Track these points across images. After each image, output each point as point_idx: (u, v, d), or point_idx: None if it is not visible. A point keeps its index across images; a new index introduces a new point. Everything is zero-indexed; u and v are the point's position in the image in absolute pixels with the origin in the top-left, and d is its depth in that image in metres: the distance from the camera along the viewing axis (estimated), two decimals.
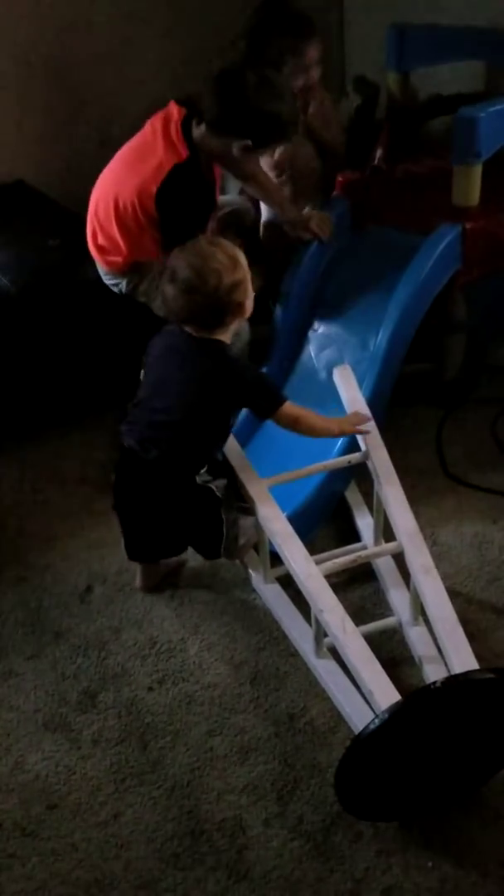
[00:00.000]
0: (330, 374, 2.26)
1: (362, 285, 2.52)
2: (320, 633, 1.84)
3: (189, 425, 1.89)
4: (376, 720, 1.48)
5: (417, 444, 2.54)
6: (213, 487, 1.93)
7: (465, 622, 1.71)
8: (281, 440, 2.35)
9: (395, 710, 1.47)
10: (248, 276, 1.87)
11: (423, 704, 1.50)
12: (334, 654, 1.83)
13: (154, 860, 1.62)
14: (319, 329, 2.54)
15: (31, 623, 2.11)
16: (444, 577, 1.81)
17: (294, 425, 1.95)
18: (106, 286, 2.52)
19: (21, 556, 2.30)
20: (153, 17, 3.15)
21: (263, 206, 2.75)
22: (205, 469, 1.94)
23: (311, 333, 2.54)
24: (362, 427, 2.03)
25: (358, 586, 2.11)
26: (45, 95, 3.06)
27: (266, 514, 1.91)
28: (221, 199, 2.71)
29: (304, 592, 1.79)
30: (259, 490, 1.95)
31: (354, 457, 2.05)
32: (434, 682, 1.50)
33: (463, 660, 1.61)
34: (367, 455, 2.02)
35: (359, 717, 1.69)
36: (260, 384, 1.96)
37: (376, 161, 2.82)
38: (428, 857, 1.59)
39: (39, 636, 2.07)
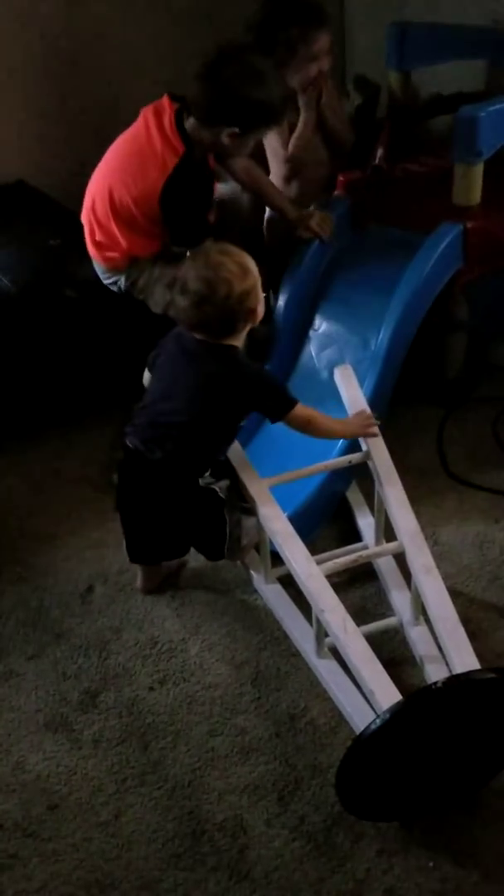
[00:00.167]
0: (331, 373, 2.26)
1: (363, 285, 2.52)
2: (321, 633, 1.84)
3: (196, 428, 1.89)
4: (377, 720, 1.47)
5: (418, 444, 2.54)
6: (217, 489, 1.93)
7: (466, 622, 1.71)
8: (282, 440, 2.35)
9: (396, 711, 1.47)
10: (259, 282, 1.87)
11: (425, 704, 1.50)
12: (335, 654, 1.83)
13: (155, 860, 1.62)
14: (320, 328, 2.53)
15: (32, 623, 2.11)
16: (446, 577, 1.81)
17: (306, 427, 1.95)
18: (106, 286, 2.52)
19: (22, 556, 2.30)
20: (154, 18, 3.15)
21: None
22: (208, 472, 1.94)
23: (311, 333, 2.54)
24: (370, 430, 2.03)
25: (359, 586, 2.11)
26: (46, 96, 3.06)
27: (267, 514, 1.91)
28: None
29: (305, 592, 1.79)
30: (260, 490, 1.95)
31: (355, 457, 2.05)
32: (435, 682, 1.50)
33: (464, 660, 1.60)
34: (367, 455, 2.02)
35: (360, 718, 1.69)
36: (271, 388, 1.95)
37: (377, 160, 2.81)
38: (429, 858, 1.59)
39: (40, 636, 2.07)
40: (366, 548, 2.11)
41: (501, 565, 2.15)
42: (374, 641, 1.80)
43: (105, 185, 2.36)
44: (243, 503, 1.98)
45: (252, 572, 2.13)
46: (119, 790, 1.74)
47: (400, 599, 1.99)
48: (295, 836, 1.64)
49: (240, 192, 2.71)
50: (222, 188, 2.70)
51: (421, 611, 1.88)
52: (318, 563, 1.82)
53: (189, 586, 2.17)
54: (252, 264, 1.86)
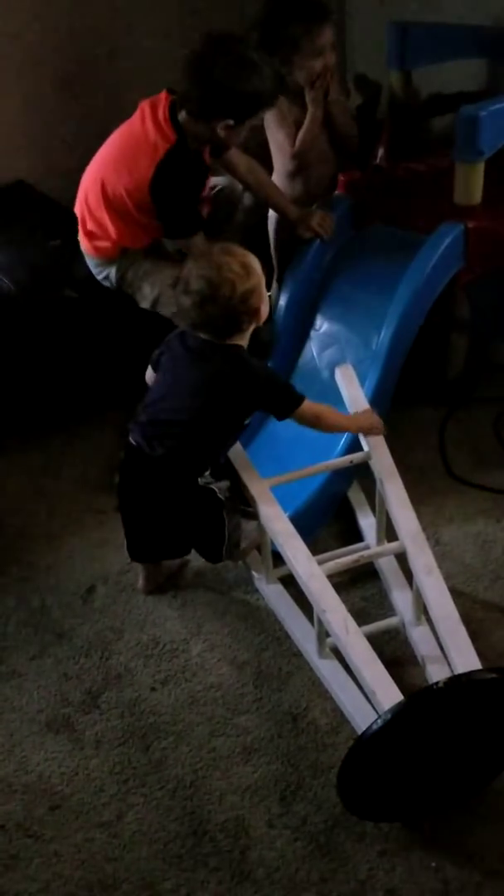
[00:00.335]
0: (332, 373, 2.26)
1: (364, 284, 2.52)
2: (323, 634, 1.83)
3: (198, 426, 1.89)
4: (379, 720, 1.47)
5: (420, 444, 2.54)
6: (216, 489, 1.93)
7: (468, 622, 1.71)
8: (283, 440, 2.35)
9: (397, 711, 1.47)
10: (262, 281, 1.87)
11: (426, 705, 1.50)
12: (337, 654, 1.83)
13: (157, 861, 1.62)
14: (321, 328, 2.53)
15: (34, 623, 2.11)
16: (447, 577, 1.81)
17: (315, 423, 1.95)
18: (99, 282, 2.51)
19: (23, 556, 2.30)
20: (156, 18, 3.14)
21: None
22: (208, 472, 1.94)
23: (313, 333, 2.54)
24: (377, 426, 2.03)
25: (361, 586, 2.11)
26: (47, 95, 3.06)
27: (268, 514, 1.91)
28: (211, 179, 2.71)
29: (307, 592, 1.79)
30: (261, 490, 1.95)
31: (356, 456, 2.04)
32: (437, 683, 1.50)
33: (466, 660, 1.60)
34: (369, 455, 2.02)
35: (362, 718, 1.69)
36: (278, 385, 1.95)
37: (378, 160, 2.81)
38: (431, 858, 1.59)
39: (42, 636, 2.07)
40: (367, 548, 2.11)
41: (503, 565, 2.15)
42: (376, 641, 1.79)
43: (98, 177, 2.37)
44: (244, 506, 1.98)
45: (254, 572, 2.13)
46: (121, 791, 1.74)
47: (401, 599, 1.99)
48: (297, 836, 1.64)
49: (235, 184, 2.71)
50: (218, 179, 2.70)
51: (422, 611, 1.87)
52: (320, 563, 1.82)
53: (191, 586, 2.17)
54: (256, 264, 1.87)
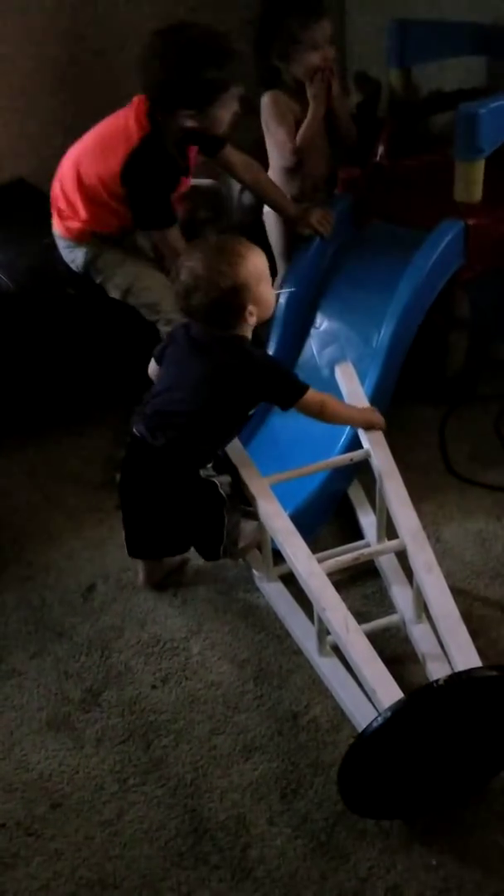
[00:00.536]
0: (332, 371, 2.25)
1: (364, 282, 2.52)
2: (323, 632, 1.83)
3: (201, 417, 1.89)
4: (379, 718, 1.47)
5: (420, 441, 2.54)
6: (217, 483, 1.93)
7: (468, 619, 1.71)
8: (283, 438, 2.35)
9: (397, 709, 1.47)
10: (260, 274, 1.87)
11: (426, 702, 1.50)
12: (337, 652, 1.83)
13: (158, 859, 1.62)
14: (321, 326, 2.53)
15: (34, 622, 2.11)
16: (448, 575, 1.81)
17: (320, 411, 1.95)
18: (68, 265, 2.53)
19: (24, 554, 2.30)
20: (155, 16, 3.13)
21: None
22: (210, 464, 1.94)
23: (313, 331, 2.54)
24: (379, 422, 2.03)
25: (361, 584, 2.11)
26: (47, 94, 3.06)
27: (268, 512, 1.90)
28: (194, 181, 2.70)
29: (307, 591, 1.79)
30: (261, 488, 1.95)
31: (357, 454, 2.04)
32: (437, 680, 1.50)
33: (466, 657, 1.60)
34: (369, 452, 2.02)
35: (362, 716, 1.69)
36: (281, 375, 1.95)
37: (378, 157, 2.81)
38: (432, 856, 1.58)
39: (42, 635, 2.07)
40: (367, 545, 2.11)
41: None
42: (376, 639, 1.80)
43: (75, 162, 2.40)
44: (245, 506, 1.97)
45: (254, 570, 2.13)
46: (121, 789, 1.74)
47: (402, 597, 1.99)
48: (297, 834, 1.64)
49: (229, 186, 2.71)
50: (205, 181, 2.70)
51: (423, 609, 1.87)
52: (320, 561, 1.81)
53: (191, 585, 2.17)
54: (255, 258, 1.87)
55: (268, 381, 1.92)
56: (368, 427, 2.03)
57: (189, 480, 1.92)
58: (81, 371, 2.67)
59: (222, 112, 2.29)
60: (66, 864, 1.62)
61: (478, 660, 1.60)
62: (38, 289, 2.60)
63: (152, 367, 2.03)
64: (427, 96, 2.99)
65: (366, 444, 2.02)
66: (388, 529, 2.04)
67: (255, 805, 1.69)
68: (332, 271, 2.59)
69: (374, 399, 2.17)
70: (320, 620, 1.79)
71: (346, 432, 2.16)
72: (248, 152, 2.57)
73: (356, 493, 2.30)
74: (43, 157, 3.08)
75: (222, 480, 1.94)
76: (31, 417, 2.68)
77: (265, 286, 1.89)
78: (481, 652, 1.62)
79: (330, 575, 1.78)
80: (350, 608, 1.72)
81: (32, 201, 2.99)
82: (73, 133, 3.10)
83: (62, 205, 2.46)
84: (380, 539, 2.11)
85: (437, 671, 1.74)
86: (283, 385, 1.93)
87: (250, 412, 1.99)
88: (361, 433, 2.04)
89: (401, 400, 2.36)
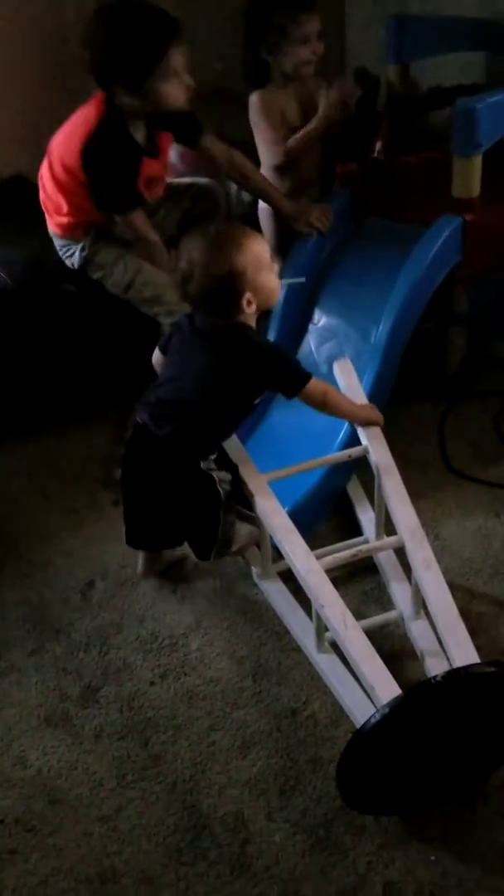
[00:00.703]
0: (331, 367, 2.25)
1: (362, 278, 2.51)
2: (321, 628, 1.83)
3: (205, 407, 1.89)
4: (377, 714, 1.47)
5: (419, 438, 2.54)
6: (216, 478, 1.92)
7: (467, 616, 1.71)
8: (281, 435, 2.35)
9: (395, 705, 1.47)
10: (260, 262, 1.87)
11: (424, 698, 1.50)
12: (336, 648, 1.82)
13: (156, 855, 1.62)
14: (320, 322, 2.53)
15: (33, 618, 2.11)
16: (446, 571, 1.81)
17: (323, 402, 1.95)
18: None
19: (22, 551, 2.30)
20: None
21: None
22: (213, 456, 1.94)
23: (311, 327, 2.53)
24: (378, 419, 2.04)
25: (359, 580, 2.11)
26: (47, 90, 3.05)
27: (266, 509, 1.90)
28: (191, 179, 2.71)
29: (305, 587, 1.79)
30: (259, 484, 1.95)
31: (355, 451, 2.04)
32: (435, 676, 1.50)
33: (464, 654, 1.60)
34: (367, 449, 2.02)
35: (360, 712, 1.69)
36: (285, 363, 1.95)
37: (376, 153, 2.80)
38: (430, 851, 1.59)
39: (41, 631, 2.07)
40: (366, 542, 2.11)
41: (502, 559, 2.15)
42: (375, 636, 1.80)
43: (48, 157, 2.41)
44: (243, 509, 1.97)
45: (253, 567, 2.13)
46: (120, 785, 1.74)
47: (400, 593, 1.99)
48: (296, 829, 1.64)
49: (220, 183, 2.71)
50: (200, 179, 2.69)
51: (421, 605, 1.87)
52: (318, 557, 1.81)
53: (190, 581, 2.17)
54: (254, 246, 1.87)
55: (272, 369, 1.92)
56: (367, 423, 2.03)
57: (190, 471, 1.92)
58: (80, 368, 2.67)
59: (165, 86, 2.23)
60: (64, 860, 1.62)
61: (476, 656, 1.60)
62: (36, 285, 2.60)
63: (156, 357, 2.03)
64: (425, 92, 2.99)
65: (364, 440, 2.02)
66: (387, 526, 2.04)
67: (253, 801, 1.69)
68: (330, 267, 2.58)
69: (373, 395, 2.17)
70: (319, 617, 1.79)
71: (345, 428, 2.16)
72: (244, 151, 2.56)
73: (355, 490, 2.30)
74: (41, 153, 3.09)
75: (222, 477, 1.94)
76: (30, 415, 2.68)
77: (266, 274, 1.89)
78: (479, 648, 1.62)
79: (328, 571, 1.78)
80: (348, 605, 1.72)
81: (30, 198, 2.98)
82: None
83: (48, 202, 2.46)
84: (378, 536, 2.11)
85: (435, 667, 1.74)
86: (288, 372, 1.93)
87: (256, 401, 1.99)
88: (360, 430, 2.04)
89: (399, 397, 2.36)
